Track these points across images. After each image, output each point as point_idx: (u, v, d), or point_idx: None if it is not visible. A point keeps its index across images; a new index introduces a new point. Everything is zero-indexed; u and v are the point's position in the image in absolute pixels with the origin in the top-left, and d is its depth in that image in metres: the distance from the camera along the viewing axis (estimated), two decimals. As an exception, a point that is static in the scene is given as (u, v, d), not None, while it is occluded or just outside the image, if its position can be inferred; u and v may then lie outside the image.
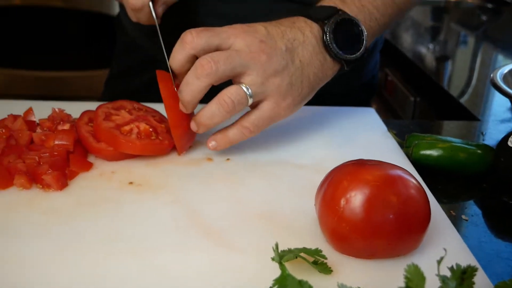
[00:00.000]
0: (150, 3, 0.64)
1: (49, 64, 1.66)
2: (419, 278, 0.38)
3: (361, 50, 0.65)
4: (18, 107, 0.70)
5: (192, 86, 0.58)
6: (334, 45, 0.63)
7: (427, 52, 1.43)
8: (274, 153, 0.67)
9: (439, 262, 0.38)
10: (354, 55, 0.65)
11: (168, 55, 0.61)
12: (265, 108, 0.61)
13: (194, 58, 0.59)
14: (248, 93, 0.59)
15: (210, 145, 0.63)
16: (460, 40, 1.62)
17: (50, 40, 1.67)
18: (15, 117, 0.66)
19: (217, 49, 0.59)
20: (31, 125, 0.66)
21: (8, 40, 1.66)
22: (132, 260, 0.47)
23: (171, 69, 0.62)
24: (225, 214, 0.54)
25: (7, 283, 0.44)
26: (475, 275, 0.39)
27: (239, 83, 0.59)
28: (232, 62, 0.58)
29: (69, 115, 0.68)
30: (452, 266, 0.39)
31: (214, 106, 0.60)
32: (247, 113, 0.62)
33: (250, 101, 0.60)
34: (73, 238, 0.50)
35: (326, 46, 0.63)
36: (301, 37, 0.62)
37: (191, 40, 0.58)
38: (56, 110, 0.67)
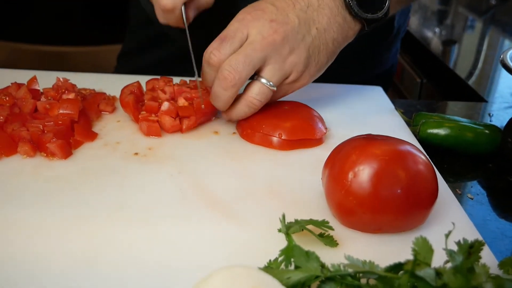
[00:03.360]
0: (183, 7, 0.61)
1: (53, 39, 1.64)
2: (427, 250, 0.37)
3: (384, 9, 0.62)
4: (22, 76, 0.69)
5: (223, 97, 0.59)
6: (355, 2, 0.61)
7: (434, 36, 1.42)
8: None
9: (447, 235, 0.38)
10: (375, 14, 0.62)
11: (194, 52, 0.61)
12: (284, 84, 0.62)
13: None
14: (270, 85, 0.60)
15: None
16: (467, 25, 1.60)
17: (55, 14, 1.65)
18: (18, 85, 0.65)
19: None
20: (35, 94, 0.65)
21: (11, 14, 1.64)
22: (137, 230, 0.47)
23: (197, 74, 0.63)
24: (231, 186, 0.54)
25: (10, 250, 0.44)
26: (482, 249, 0.39)
27: (260, 76, 0.60)
28: (251, 62, 0.57)
29: (74, 85, 0.67)
30: (459, 241, 0.39)
31: (244, 107, 0.61)
32: None
33: (274, 89, 0.60)
34: (78, 207, 0.50)
35: (346, 4, 0.61)
36: (316, 1, 0.61)
37: (218, 60, 0.58)
38: (61, 79, 0.67)
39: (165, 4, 0.61)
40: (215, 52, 0.58)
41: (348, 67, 0.86)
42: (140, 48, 0.94)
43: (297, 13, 0.60)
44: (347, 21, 0.62)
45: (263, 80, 0.59)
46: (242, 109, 0.61)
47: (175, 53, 0.85)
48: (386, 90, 0.97)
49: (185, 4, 0.62)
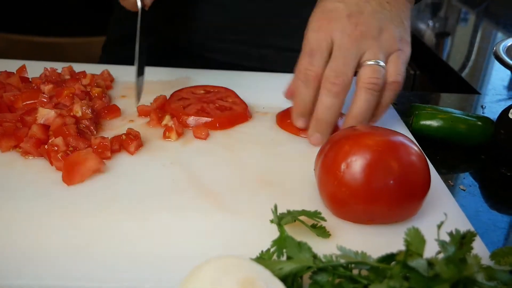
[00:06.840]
0: None
1: (45, 30, 1.63)
2: (419, 241, 0.37)
3: None
4: (11, 65, 0.68)
5: (334, 106, 0.57)
6: None
7: (427, 28, 1.42)
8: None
9: (439, 226, 0.38)
10: None
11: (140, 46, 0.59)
12: (396, 57, 0.59)
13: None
14: (378, 63, 0.57)
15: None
16: (460, 17, 1.60)
17: (48, 5, 1.63)
18: (9, 74, 0.64)
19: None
20: (24, 83, 0.64)
21: (4, 4, 1.62)
22: (129, 220, 0.47)
23: None
24: (224, 177, 0.54)
25: (3, 240, 0.43)
26: (474, 240, 0.39)
27: (363, 62, 0.57)
28: (349, 61, 0.56)
29: (61, 75, 0.66)
30: (451, 232, 0.39)
31: (365, 95, 0.57)
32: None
33: (384, 65, 0.58)
34: (69, 197, 0.49)
35: None
36: None
37: (316, 73, 0.57)
38: (48, 69, 0.66)
39: None
40: (309, 67, 0.57)
41: None
42: (125, 38, 0.93)
43: None
44: None
45: (369, 62, 0.57)
46: (365, 99, 0.57)
47: (158, 45, 0.84)
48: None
49: None
